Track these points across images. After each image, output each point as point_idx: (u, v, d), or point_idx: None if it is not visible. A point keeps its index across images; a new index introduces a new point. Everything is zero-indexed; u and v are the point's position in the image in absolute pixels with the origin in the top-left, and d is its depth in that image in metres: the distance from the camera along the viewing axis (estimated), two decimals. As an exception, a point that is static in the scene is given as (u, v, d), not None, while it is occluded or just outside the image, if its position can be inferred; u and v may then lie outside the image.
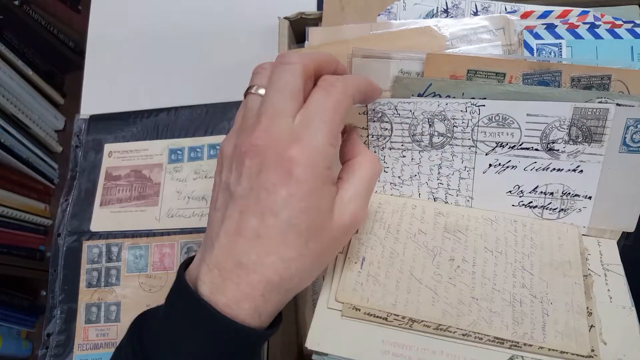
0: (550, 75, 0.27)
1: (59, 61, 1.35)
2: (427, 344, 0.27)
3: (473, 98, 0.30)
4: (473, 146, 0.31)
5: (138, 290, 0.50)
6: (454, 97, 0.30)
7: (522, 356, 0.26)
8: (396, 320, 0.28)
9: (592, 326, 0.27)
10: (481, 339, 0.27)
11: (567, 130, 0.29)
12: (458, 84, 0.30)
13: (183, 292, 0.25)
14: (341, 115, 0.25)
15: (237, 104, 0.55)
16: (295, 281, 0.25)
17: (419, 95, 0.31)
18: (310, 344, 0.28)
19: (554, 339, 0.26)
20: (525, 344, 0.26)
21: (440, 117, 0.31)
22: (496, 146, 0.31)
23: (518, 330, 0.27)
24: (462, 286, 0.29)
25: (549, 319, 0.27)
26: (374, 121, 0.33)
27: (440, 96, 0.31)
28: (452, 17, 0.44)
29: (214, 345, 0.24)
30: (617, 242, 0.33)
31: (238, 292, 0.24)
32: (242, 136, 0.25)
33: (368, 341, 0.28)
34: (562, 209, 0.32)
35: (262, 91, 0.27)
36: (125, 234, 0.52)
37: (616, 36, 0.42)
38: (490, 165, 0.32)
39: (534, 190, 0.32)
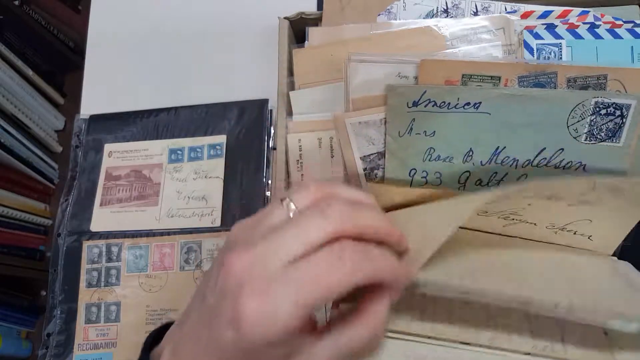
0: (545, 77, 0.27)
1: (59, 61, 1.35)
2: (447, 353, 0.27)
3: (468, 104, 0.30)
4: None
5: (138, 290, 0.50)
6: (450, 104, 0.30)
7: None
8: (413, 335, 0.28)
9: (605, 333, 0.27)
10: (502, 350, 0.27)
11: None
12: (453, 89, 0.30)
13: None
14: (328, 297, 0.22)
15: (237, 104, 0.55)
16: None
17: (414, 104, 0.31)
18: None
19: (576, 350, 0.26)
20: (545, 356, 0.26)
21: None
22: None
23: (538, 343, 0.27)
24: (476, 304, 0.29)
25: (566, 330, 0.27)
26: None
27: (435, 103, 0.30)
28: (452, 17, 0.44)
29: None
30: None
31: None
32: (239, 245, 0.24)
33: (392, 355, 0.27)
34: None
35: (291, 214, 0.24)
36: (125, 234, 0.52)
37: (616, 36, 0.42)
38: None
39: None
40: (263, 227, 0.24)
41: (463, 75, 0.28)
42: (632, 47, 0.42)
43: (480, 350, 0.27)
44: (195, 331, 0.24)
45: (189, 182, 0.53)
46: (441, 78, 0.28)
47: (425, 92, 0.30)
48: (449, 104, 0.30)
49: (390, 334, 0.28)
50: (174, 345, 0.26)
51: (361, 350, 0.23)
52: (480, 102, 0.29)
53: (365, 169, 0.35)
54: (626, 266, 0.32)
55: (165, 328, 0.29)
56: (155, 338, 0.28)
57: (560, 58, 0.42)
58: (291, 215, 0.24)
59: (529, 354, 0.26)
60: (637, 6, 0.44)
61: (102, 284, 0.50)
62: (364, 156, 0.35)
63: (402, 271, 0.24)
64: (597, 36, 0.42)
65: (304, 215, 0.23)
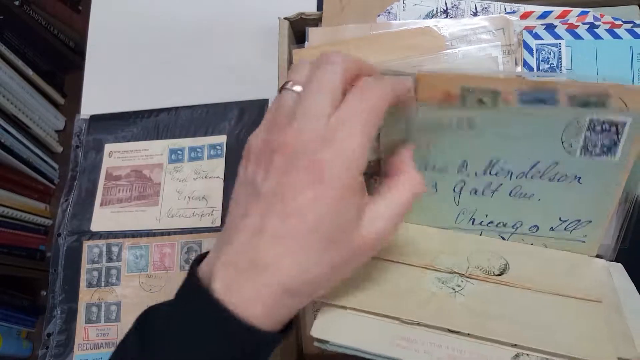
0: (546, 92, 0.27)
1: (59, 61, 1.35)
2: (435, 338, 0.28)
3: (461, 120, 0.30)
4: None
5: (138, 290, 0.50)
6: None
7: (527, 353, 0.26)
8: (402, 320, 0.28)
9: None
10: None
11: None
12: (446, 110, 0.30)
13: (195, 288, 0.24)
14: (376, 119, 0.24)
15: (237, 104, 0.55)
16: (310, 288, 0.24)
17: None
18: (315, 331, 0.28)
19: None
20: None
21: None
22: None
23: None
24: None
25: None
26: None
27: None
28: (451, 17, 0.45)
29: (223, 346, 0.23)
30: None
31: (252, 292, 0.23)
32: (274, 133, 0.24)
33: (375, 333, 0.28)
34: None
35: (297, 88, 0.26)
36: (125, 234, 0.52)
37: (616, 36, 0.42)
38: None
39: None
40: (283, 113, 0.25)
41: (462, 88, 0.28)
42: (631, 47, 0.42)
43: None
44: (266, 220, 0.23)
45: (189, 182, 0.53)
46: (439, 92, 0.28)
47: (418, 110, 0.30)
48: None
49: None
50: (235, 249, 0.24)
51: (407, 210, 0.26)
52: (474, 119, 0.29)
53: (365, 174, 0.35)
54: (617, 270, 0.33)
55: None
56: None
57: (560, 58, 0.42)
58: (299, 89, 0.26)
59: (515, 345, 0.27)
60: (637, 6, 0.44)
61: (103, 283, 0.51)
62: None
63: (408, 83, 0.28)
64: (597, 36, 0.42)
65: (313, 76, 0.25)
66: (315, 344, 0.28)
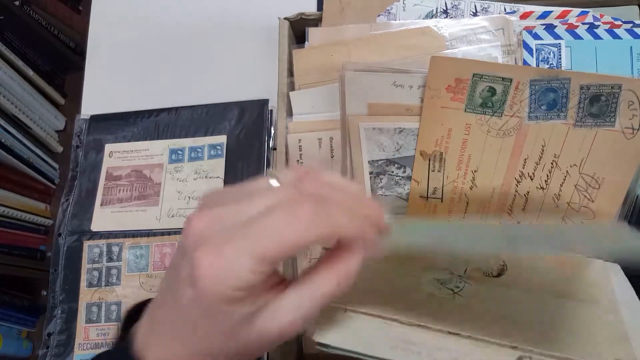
0: (558, 82, 0.27)
1: (59, 61, 1.35)
2: (436, 341, 0.27)
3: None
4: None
5: (139, 290, 0.50)
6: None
7: (529, 356, 0.26)
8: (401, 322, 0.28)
9: None
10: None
11: None
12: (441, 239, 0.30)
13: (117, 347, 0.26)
14: (289, 252, 0.21)
15: (237, 104, 0.55)
16: None
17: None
18: (316, 336, 0.28)
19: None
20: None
21: None
22: None
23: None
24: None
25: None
26: None
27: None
28: (451, 17, 0.45)
29: None
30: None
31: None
32: (206, 206, 0.23)
33: (376, 336, 0.28)
34: None
35: (274, 183, 0.24)
36: (125, 234, 0.52)
37: (615, 36, 0.42)
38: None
39: None
40: (238, 194, 0.24)
41: (474, 74, 0.27)
42: (631, 47, 0.42)
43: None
44: (164, 296, 0.24)
45: (189, 182, 0.53)
46: (451, 76, 0.28)
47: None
48: None
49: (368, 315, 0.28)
50: (149, 314, 0.25)
51: (324, 303, 0.23)
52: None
53: (371, 173, 0.36)
54: (615, 270, 0.33)
55: (143, 305, 0.28)
56: (132, 315, 0.28)
57: (560, 58, 0.42)
58: (271, 183, 0.24)
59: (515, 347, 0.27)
60: (637, 6, 0.44)
61: (103, 283, 0.51)
62: (372, 160, 0.35)
63: (370, 230, 0.23)
64: (597, 36, 0.42)
65: (280, 186, 0.23)
66: (317, 347, 0.28)
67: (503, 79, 0.27)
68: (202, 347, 0.23)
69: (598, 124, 0.28)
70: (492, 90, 0.28)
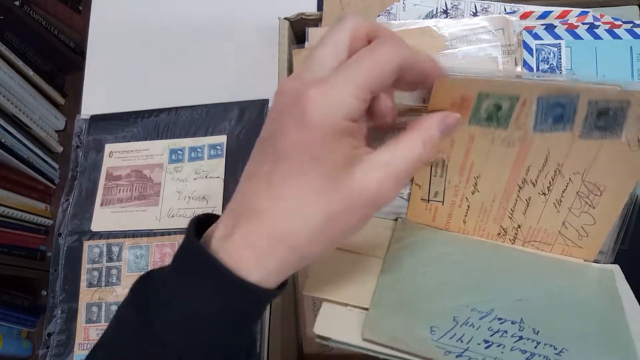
0: (567, 98, 0.27)
1: (59, 61, 1.35)
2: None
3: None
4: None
5: (138, 290, 0.50)
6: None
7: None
8: None
9: None
10: None
11: None
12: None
13: (189, 243, 0.24)
14: (378, 76, 0.23)
15: (237, 104, 0.55)
16: (304, 240, 0.23)
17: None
18: (317, 329, 0.28)
19: None
20: None
21: None
22: None
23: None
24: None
25: None
26: None
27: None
28: (451, 17, 0.45)
29: (215, 301, 0.23)
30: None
31: (245, 241, 0.23)
32: (283, 82, 0.25)
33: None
34: None
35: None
36: (125, 234, 0.52)
37: (615, 36, 0.42)
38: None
39: None
40: (296, 71, 0.26)
41: (479, 93, 0.27)
42: (631, 47, 0.42)
43: None
44: (259, 165, 0.24)
45: (189, 182, 0.53)
46: (456, 96, 0.27)
47: None
48: None
49: None
50: (239, 202, 0.24)
51: (413, 165, 0.24)
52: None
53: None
54: (615, 272, 0.33)
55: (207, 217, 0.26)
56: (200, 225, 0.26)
57: (560, 58, 0.42)
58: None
59: None
60: (637, 6, 0.44)
61: (103, 283, 0.51)
62: None
63: (439, 63, 0.26)
64: (597, 36, 0.42)
65: (324, 34, 0.25)
66: (317, 340, 0.28)
67: (510, 97, 0.27)
68: (310, 204, 0.23)
69: (604, 136, 0.28)
70: (498, 106, 0.28)
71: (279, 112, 0.24)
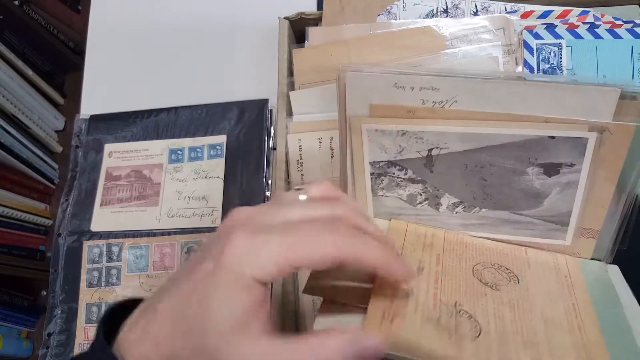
0: None
1: (59, 61, 1.35)
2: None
3: None
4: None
5: (139, 290, 0.50)
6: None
7: None
8: None
9: None
10: None
11: None
12: None
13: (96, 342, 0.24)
14: (313, 261, 0.22)
15: (237, 104, 0.55)
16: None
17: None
18: (317, 325, 0.28)
19: None
20: None
21: None
22: None
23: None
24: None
25: None
26: None
27: None
28: (452, 17, 0.45)
29: None
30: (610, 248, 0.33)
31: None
32: (243, 210, 0.25)
33: None
34: None
35: (302, 198, 0.25)
36: (125, 234, 0.52)
37: (616, 36, 0.42)
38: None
39: None
40: (271, 208, 0.25)
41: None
42: (631, 47, 0.42)
43: None
44: (172, 282, 0.24)
45: (189, 182, 0.53)
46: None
47: None
48: None
49: None
50: (147, 308, 0.24)
51: None
52: None
53: (372, 174, 0.36)
54: (614, 272, 0.33)
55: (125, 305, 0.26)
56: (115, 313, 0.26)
57: (560, 58, 0.42)
58: (300, 197, 0.25)
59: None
60: (637, 6, 0.44)
61: (103, 283, 0.50)
62: (374, 162, 0.35)
63: (397, 264, 0.24)
64: (597, 36, 0.42)
65: (313, 200, 0.25)
66: None
67: None
68: (187, 337, 0.22)
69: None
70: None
71: (217, 236, 0.24)
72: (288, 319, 0.42)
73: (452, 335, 0.27)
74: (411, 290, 0.29)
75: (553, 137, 0.30)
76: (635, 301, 0.31)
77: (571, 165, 0.31)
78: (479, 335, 0.27)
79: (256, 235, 0.22)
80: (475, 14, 0.44)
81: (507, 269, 0.32)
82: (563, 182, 0.32)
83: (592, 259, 0.34)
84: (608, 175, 0.30)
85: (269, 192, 0.51)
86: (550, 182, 0.32)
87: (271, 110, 0.54)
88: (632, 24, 0.42)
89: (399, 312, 0.28)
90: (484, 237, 0.36)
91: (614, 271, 0.33)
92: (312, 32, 0.47)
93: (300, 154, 0.45)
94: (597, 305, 0.30)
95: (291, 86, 0.46)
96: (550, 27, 0.43)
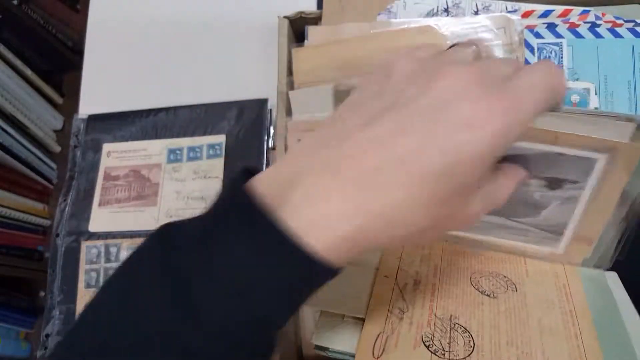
0: None
1: (57, 61, 1.35)
2: None
3: None
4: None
5: (137, 291, 0.49)
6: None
7: None
8: None
9: None
10: None
11: None
12: None
13: (234, 194, 0.20)
14: (556, 98, 0.22)
15: (236, 104, 0.55)
16: (392, 232, 0.19)
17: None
18: (316, 339, 0.28)
19: None
20: None
21: None
22: None
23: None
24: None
25: None
26: None
27: None
28: (452, 16, 0.44)
29: (272, 269, 0.18)
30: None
31: (337, 212, 0.18)
32: (446, 62, 0.22)
33: None
34: None
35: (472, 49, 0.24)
36: (124, 235, 0.51)
37: (617, 35, 0.42)
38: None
39: None
40: (460, 53, 0.24)
41: None
42: (632, 46, 0.42)
43: None
44: (395, 136, 0.19)
45: (188, 182, 0.52)
46: None
47: None
48: None
49: None
50: (348, 161, 0.19)
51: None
52: None
53: None
54: (612, 279, 0.32)
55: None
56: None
57: (561, 57, 0.42)
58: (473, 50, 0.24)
59: None
60: (639, 5, 0.44)
61: (101, 284, 0.50)
62: None
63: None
64: (598, 35, 0.42)
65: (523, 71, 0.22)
66: (316, 350, 0.28)
67: None
68: (421, 207, 0.19)
69: None
70: None
71: (446, 97, 0.20)
72: (290, 332, 0.42)
73: (445, 353, 0.27)
74: (407, 307, 0.29)
75: (562, 154, 0.29)
76: (634, 309, 0.30)
77: (575, 182, 0.30)
78: (472, 351, 0.27)
79: (510, 99, 0.20)
80: (476, 13, 0.44)
81: (504, 276, 0.32)
82: (564, 197, 0.31)
83: (593, 266, 0.34)
84: (611, 192, 0.30)
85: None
86: (551, 195, 0.31)
87: (271, 109, 0.54)
88: (633, 24, 0.42)
89: (392, 333, 0.28)
90: (475, 239, 0.35)
91: (613, 279, 0.33)
92: (311, 31, 0.46)
93: (300, 154, 0.45)
94: (595, 313, 0.29)
95: (291, 86, 0.46)
96: (551, 27, 0.42)
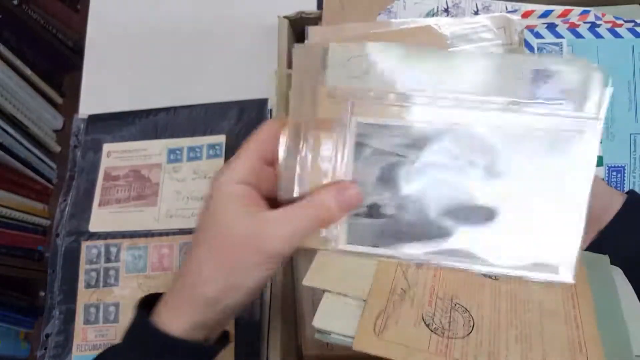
0: None
1: (57, 61, 1.34)
2: None
3: None
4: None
5: (137, 291, 0.49)
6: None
7: None
8: None
9: None
10: None
11: None
12: None
13: (138, 318, 0.30)
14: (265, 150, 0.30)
15: (236, 104, 0.55)
16: (202, 284, 0.28)
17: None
18: (317, 322, 0.28)
19: None
20: None
21: None
22: None
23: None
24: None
25: None
26: None
27: None
28: (452, 16, 0.44)
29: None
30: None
31: (176, 307, 0.29)
32: None
33: None
34: None
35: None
36: (124, 235, 0.51)
37: (617, 35, 0.42)
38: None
39: None
40: None
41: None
42: (632, 46, 0.42)
43: None
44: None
45: (188, 182, 0.52)
46: None
47: None
48: None
49: None
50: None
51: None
52: None
53: None
54: (616, 273, 0.32)
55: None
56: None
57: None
58: None
59: None
60: (638, 5, 0.44)
61: (101, 284, 0.50)
62: None
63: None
64: (598, 35, 0.42)
65: None
66: (317, 336, 0.28)
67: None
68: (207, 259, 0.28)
69: None
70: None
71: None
72: (287, 320, 0.42)
73: (445, 332, 0.27)
74: (409, 287, 0.29)
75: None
76: (637, 300, 0.30)
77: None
78: (471, 331, 0.28)
79: (227, 164, 0.31)
80: (476, 13, 0.44)
81: None
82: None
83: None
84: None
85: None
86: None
87: (271, 109, 0.54)
88: (632, 24, 0.42)
89: (394, 311, 0.28)
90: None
91: (617, 271, 0.33)
92: (311, 31, 0.46)
93: (300, 154, 0.45)
94: (597, 299, 0.30)
95: (290, 85, 0.46)
96: (551, 27, 0.42)
